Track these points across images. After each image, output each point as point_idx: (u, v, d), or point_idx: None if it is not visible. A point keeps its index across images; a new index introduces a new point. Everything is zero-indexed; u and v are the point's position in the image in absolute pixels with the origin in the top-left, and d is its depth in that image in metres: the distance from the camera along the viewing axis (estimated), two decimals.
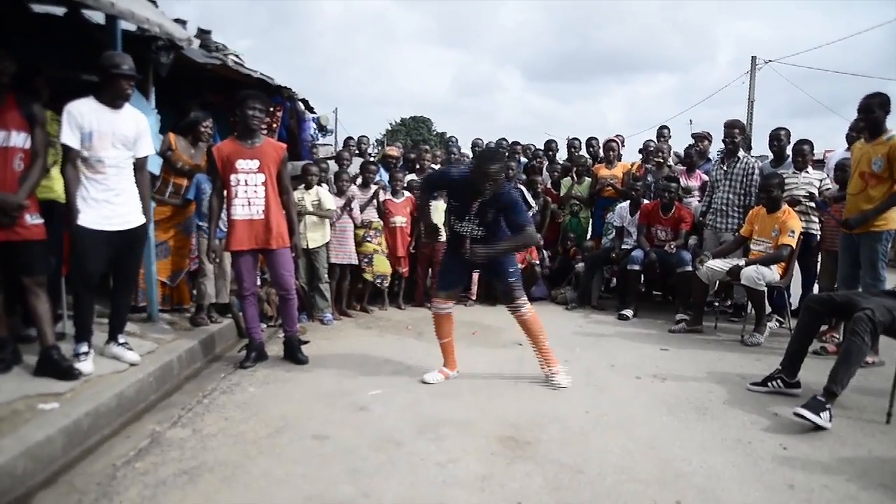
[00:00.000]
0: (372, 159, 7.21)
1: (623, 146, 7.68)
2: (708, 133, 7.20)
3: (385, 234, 6.33)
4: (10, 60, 3.34)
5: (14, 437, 2.61)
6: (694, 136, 7.28)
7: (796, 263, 5.48)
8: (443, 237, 4.78)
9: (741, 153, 5.93)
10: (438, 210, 6.40)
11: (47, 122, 3.60)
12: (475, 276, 6.39)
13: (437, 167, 7.43)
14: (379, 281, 6.23)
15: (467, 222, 3.85)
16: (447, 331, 4.10)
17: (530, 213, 6.94)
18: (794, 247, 5.13)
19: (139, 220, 3.77)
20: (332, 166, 6.68)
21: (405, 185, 6.64)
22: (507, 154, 3.63)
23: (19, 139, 3.31)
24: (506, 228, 3.84)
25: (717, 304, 6.35)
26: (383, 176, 7.04)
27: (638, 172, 7.09)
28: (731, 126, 5.94)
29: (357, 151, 7.93)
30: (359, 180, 6.37)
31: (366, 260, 6.14)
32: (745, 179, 5.84)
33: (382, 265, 6.21)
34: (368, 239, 6.16)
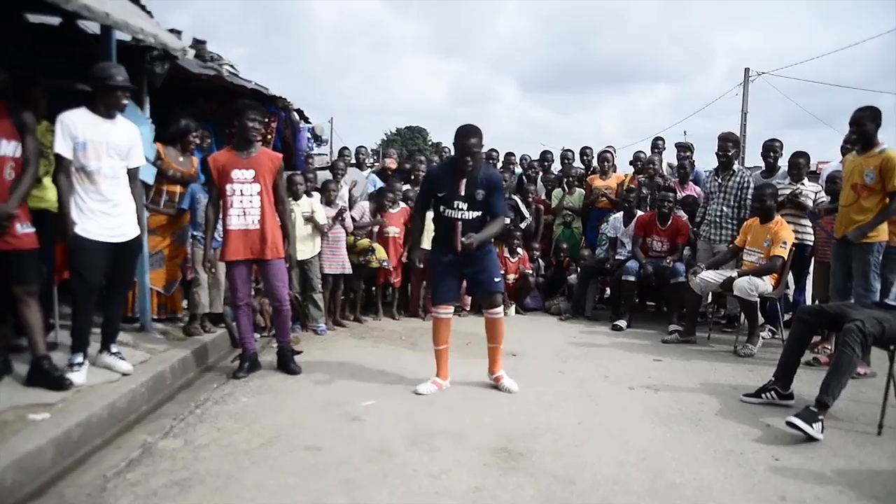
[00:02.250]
0: (385, 184, 7.23)
1: (615, 156, 7.73)
2: (689, 143, 7.32)
3: (379, 243, 6.33)
4: (2, 70, 3.34)
5: (3, 448, 2.59)
6: (678, 146, 7.37)
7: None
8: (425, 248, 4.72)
9: (736, 166, 5.96)
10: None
11: (41, 131, 3.60)
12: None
13: None
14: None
15: (456, 207, 3.90)
16: (445, 337, 4.10)
17: (524, 224, 7.00)
18: (786, 258, 5.16)
19: (135, 231, 3.77)
20: (323, 175, 6.69)
21: (402, 195, 6.63)
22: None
23: (9, 148, 3.29)
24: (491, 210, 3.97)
25: (710, 314, 6.36)
26: (376, 182, 7.10)
27: (632, 184, 7.13)
28: (724, 139, 5.97)
29: (354, 162, 7.94)
30: (367, 199, 6.37)
31: (364, 259, 6.09)
32: (739, 193, 5.87)
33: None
34: (358, 237, 6.13)
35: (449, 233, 3.96)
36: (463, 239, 3.81)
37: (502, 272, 6.48)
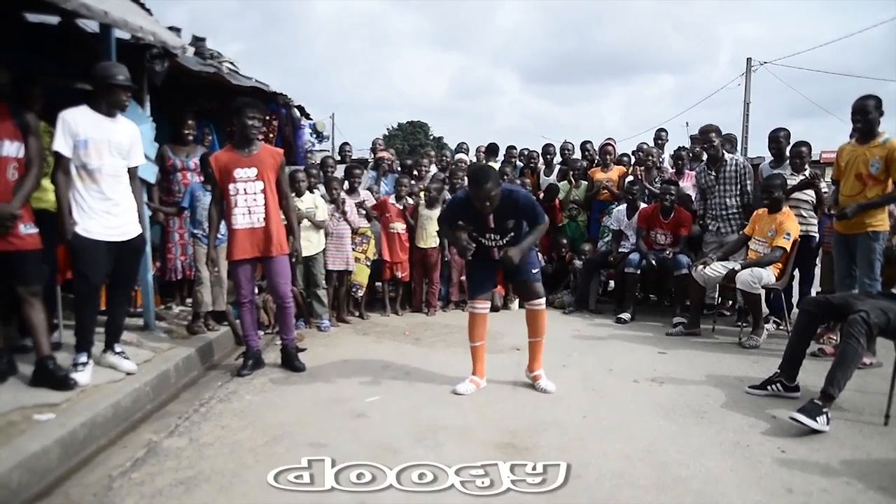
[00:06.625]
0: (362, 162, 7.19)
1: (616, 149, 7.70)
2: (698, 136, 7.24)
3: (383, 238, 6.32)
4: (4, 70, 3.34)
5: (9, 448, 2.60)
6: (693, 138, 7.32)
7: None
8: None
9: (728, 156, 5.92)
10: (432, 220, 6.40)
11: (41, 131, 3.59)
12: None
13: (435, 170, 7.45)
14: (354, 289, 6.20)
15: (489, 238, 3.88)
16: (481, 333, 4.03)
17: None
18: (789, 249, 5.13)
19: (137, 229, 3.77)
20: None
21: (410, 190, 6.54)
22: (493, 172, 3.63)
23: (12, 148, 3.29)
24: (525, 227, 3.90)
25: (714, 303, 6.31)
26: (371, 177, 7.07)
27: (631, 175, 7.11)
28: (706, 132, 5.95)
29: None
30: (345, 185, 6.31)
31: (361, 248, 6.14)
32: (738, 180, 5.84)
33: (360, 274, 6.19)
34: (353, 246, 6.13)
35: (485, 251, 3.92)
36: (503, 255, 3.75)
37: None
